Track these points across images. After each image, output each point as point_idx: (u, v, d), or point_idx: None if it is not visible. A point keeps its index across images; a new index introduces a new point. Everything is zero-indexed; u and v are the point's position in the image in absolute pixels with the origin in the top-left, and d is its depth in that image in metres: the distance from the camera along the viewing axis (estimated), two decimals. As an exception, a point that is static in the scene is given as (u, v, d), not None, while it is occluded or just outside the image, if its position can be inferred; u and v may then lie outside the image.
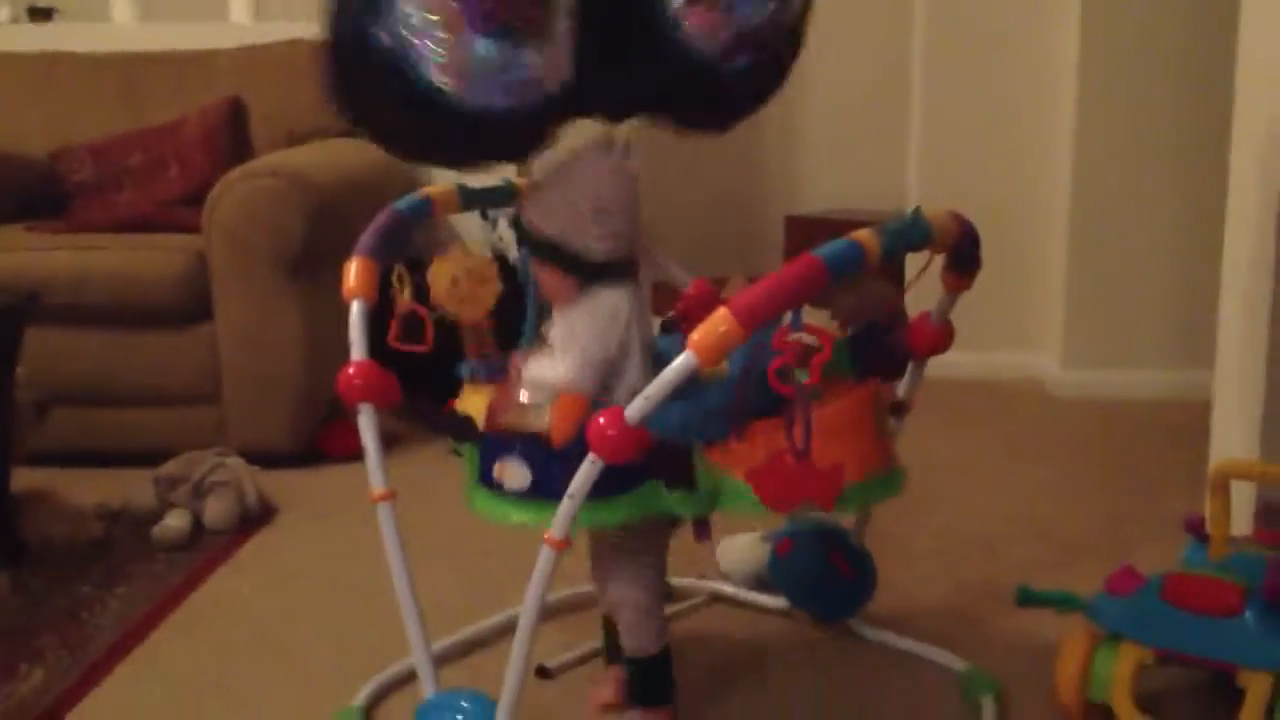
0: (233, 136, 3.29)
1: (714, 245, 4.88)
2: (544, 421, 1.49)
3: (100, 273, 2.85)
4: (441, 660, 1.84)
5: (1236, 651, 1.67)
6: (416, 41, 1.46)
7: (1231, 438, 2.34)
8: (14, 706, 1.87)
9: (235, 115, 3.34)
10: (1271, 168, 2.20)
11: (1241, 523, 2.08)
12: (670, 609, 1.98)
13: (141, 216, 3.10)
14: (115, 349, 2.87)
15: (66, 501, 2.66)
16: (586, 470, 1.40)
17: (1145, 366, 3.49)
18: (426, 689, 1.58)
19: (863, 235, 1.45)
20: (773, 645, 2.05)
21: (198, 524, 2.51)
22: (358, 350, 1.61)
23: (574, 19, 1.54)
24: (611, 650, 1.80)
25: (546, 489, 1.47)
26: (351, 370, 1.59)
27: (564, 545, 1.43)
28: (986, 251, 3.38)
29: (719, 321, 1.36)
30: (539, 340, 1.65)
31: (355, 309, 1.63)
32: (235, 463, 2.63)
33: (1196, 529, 1.96)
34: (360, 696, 1.86)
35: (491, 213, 3.55)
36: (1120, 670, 1.73)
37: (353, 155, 3.24)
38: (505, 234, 3.65)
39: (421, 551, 1.68)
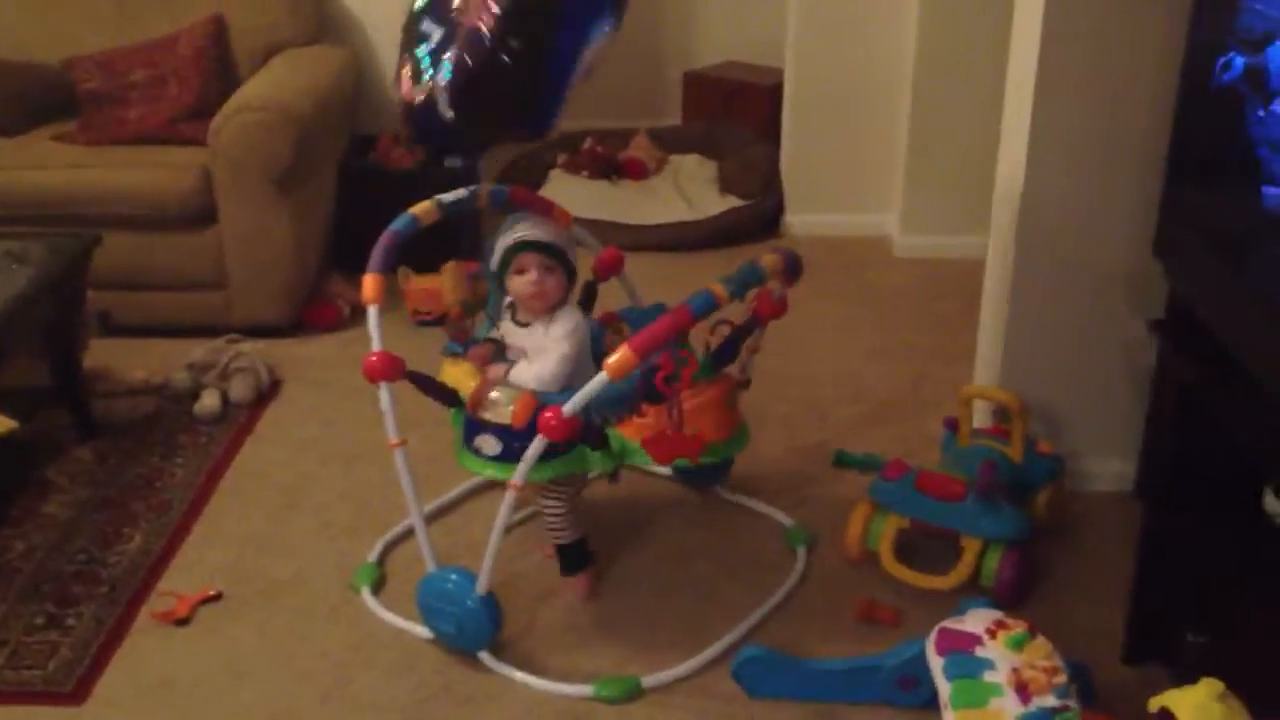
0: (219, 53, 3.70)
1: (620, 99, 5.31)
2: (507, 414, 2.13)
3: (125, 188, 3.35)
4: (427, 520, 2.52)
5: (959, 523, 2.43)
6: None
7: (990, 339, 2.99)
8: (127, 566, 2.53)
9: (219, 32, 3.73)
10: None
11: (986, 419, 2.83)
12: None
13: (152, 131, 3.56)
14: (140, 247, 3.36)
15: (118, 377, 3.23)
16: (537, 445, 2.06)
17: (970, 233, 3.61)
18: (428, 565, 2.25)
19: (715, 288, 2.09)
20: (662, 504, 2.75)
21: (225, 400, 3.14)
22: (376, 342, 2.18)
23: None
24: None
25: (509, 455, 2.14)
26: (374, 358, 2.16)
27: (521, 489, 2.11)
28: (846, 116, 4.16)
29: (624, 354, 2.01)
30: (489, 341, 2.30)
31: (372, 312, 2.21)
32: (249, 348, 3.23)
33: (952, 426, 2.71)
34: (373, 553, 2.56)
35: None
36: (885, 531, 2.50)
37: (321, 71, 3.75)
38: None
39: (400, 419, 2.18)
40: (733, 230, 4.19)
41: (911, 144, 4.00)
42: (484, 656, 2.24)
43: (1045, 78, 2.45)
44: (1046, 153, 2.51)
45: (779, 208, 4.32)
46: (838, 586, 2.48)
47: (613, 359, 2.01)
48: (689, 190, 4.46)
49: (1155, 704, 1.81)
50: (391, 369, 2.18)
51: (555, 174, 4.56)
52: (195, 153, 3.41)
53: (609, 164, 4.58)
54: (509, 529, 2.51)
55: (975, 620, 2.07)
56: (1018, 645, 1.97)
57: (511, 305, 2.31)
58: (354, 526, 2.67)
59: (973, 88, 3.77)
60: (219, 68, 3.71)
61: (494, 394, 2.16)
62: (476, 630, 2.21)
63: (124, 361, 3.30)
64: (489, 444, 2.16)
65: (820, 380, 3.30)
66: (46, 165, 3.45)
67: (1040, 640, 1.99)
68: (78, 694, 2.20)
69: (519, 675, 2.22)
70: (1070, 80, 2.44)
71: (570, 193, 4.35)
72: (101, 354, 3.22)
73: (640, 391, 2.16)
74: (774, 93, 4.54)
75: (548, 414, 2.04)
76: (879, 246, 4.18)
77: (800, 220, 4.30)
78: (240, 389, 3.14)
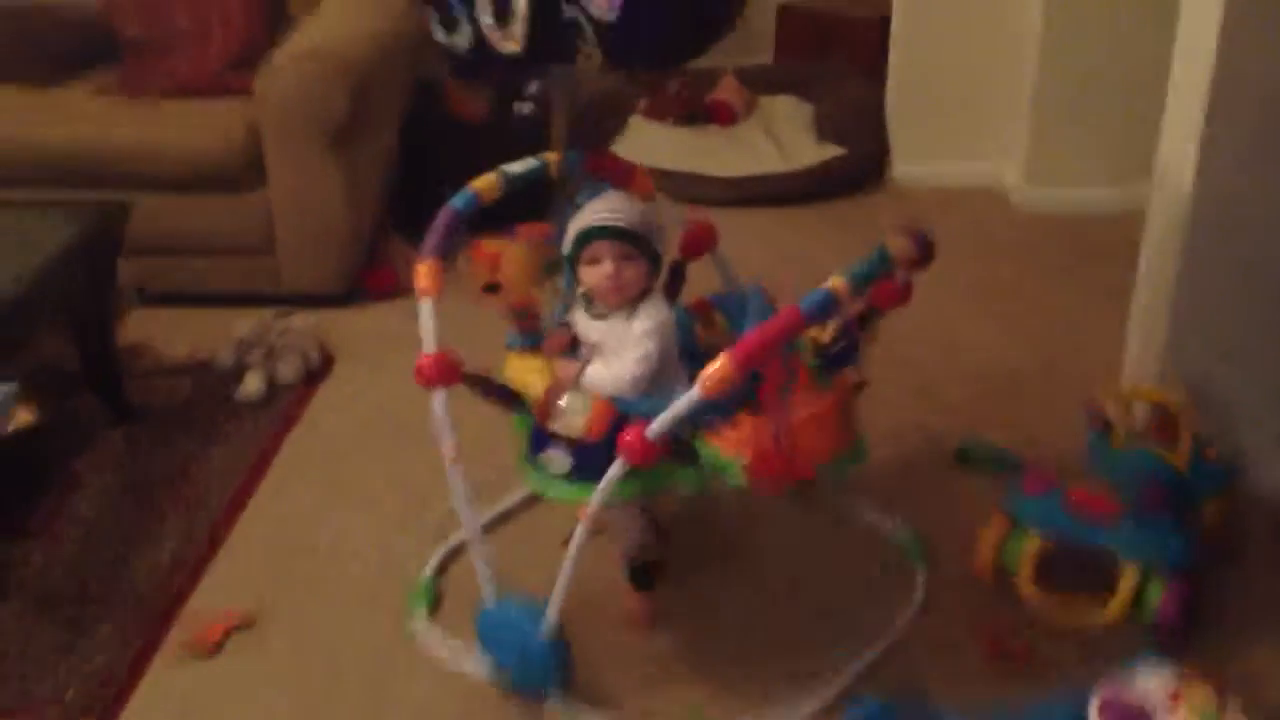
0: (268, -3, 3.40)
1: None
2: (580, 426, 1.81)
3: (164, 147, 3.05)
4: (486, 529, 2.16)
5: (1116, 545, 2.05)
6: None
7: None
8: (160, 577, 2.25)
9: (269, -29, 3.42)
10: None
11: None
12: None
13: (198, 82, 3.26)
14: (183, 209, 3.08)
15: (158, 354, 2.97)
16: (616, 469, 1.73)
17: (1106, 184, 3.54)
18: (487, 600, 1.92)
19: (836, 283, 1.72)
20: (750, 511, 2.38)
21: (270, 381, 2.83)
22: (429, 342, 1.86)
23: None
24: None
25: (581, 474, 1.81)
26: (429, 361, 1.84)
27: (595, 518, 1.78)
28: (962, 50, 3.71)
29: (723, 367, 1.66)
30: (565, 327, 1.97)
31: (425, 307, 1.88)
32: (298, 323, 2.94)
33: (1099, 425, 2.32)
34: (429, 567, 2.26)
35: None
36: (1026, 551, 2.12)
37: (381, 12, 3.42)
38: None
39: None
40: (831, 181, 3.84)
41: (1039, 81, 3.55)
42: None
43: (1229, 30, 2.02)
44: (1227, 103, 2.09)
45: (883, 155, 3.93)
46: (958, 613, 2.13)
47: (709, 371, 1.66)
48: (782, 136, 4.08)
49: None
50: (447, 372, 1.86)
51: (635, 120, 4.18)
52: (243, 106, 3.11)
53: (694, 108, 4.19)
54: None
55: (1148, 682, 1.71)
56: (1206, 722, 1.61)
57: (586, 293, 1.97)
58: (407, 524, 2.38)
59: (1114, 13, 3.32)
60: (268, 11, 3.40)
61: (564, 401, 1.83)
62: (543, 677, 1.90)
63: (166, 334, 3.05)
64: (558, 460, 1.84)
65: (933, 357, 2.91)
66: (80, 120, 3.16)
67: (1234, 713, 1.63)
68: (98, 733, 1.94)
69: (593, 718, 1.91)
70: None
71: (651, 141, 4.03)
72: (142, 326, 2.99)
73: (738, 398, 1.80)
74: (879, 26, 4.12)
75: (629, 436, 1.70)
76: (997, 199, 3.76)
77: (907, 170, 3.91)
78: (287, 370, 2.85)
